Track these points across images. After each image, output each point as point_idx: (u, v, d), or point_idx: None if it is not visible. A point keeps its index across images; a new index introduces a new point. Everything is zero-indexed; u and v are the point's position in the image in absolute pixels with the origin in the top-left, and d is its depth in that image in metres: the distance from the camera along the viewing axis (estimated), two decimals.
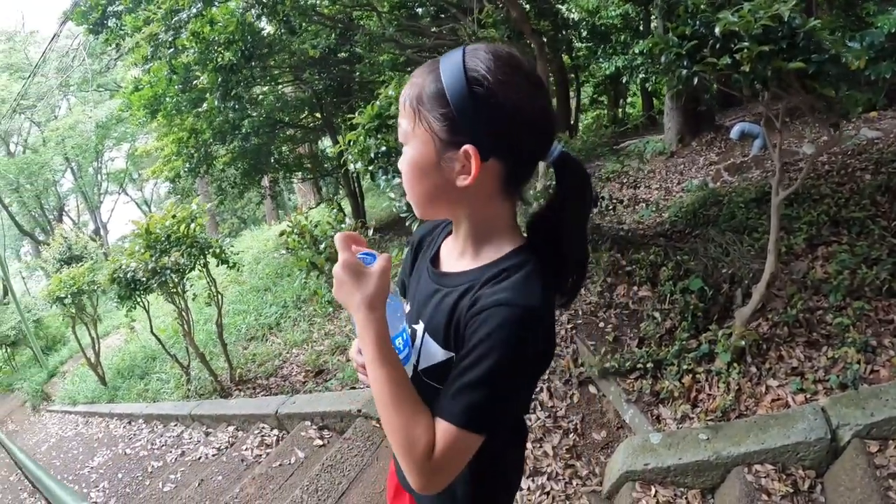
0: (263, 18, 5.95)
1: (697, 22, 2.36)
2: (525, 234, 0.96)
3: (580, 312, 3.82)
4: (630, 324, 3.50)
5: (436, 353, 0.97)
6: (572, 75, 9.86)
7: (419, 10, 7.80)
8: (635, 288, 3.78)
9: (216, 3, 5.57)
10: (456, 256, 1.00)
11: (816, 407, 2.26)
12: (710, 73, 2.32)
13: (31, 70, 20.06)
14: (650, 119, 9.27)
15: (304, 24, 6.61)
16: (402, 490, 1.31)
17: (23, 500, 6.15)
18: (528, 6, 6.18)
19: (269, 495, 3.08)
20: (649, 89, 9.17)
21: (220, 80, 5.66)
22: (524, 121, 0.85)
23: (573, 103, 10.70)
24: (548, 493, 2.53)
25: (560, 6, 7.26)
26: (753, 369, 2.68)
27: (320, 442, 3.46)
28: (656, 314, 3.37)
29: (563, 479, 2.61)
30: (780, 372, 2.61)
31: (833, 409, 2.20)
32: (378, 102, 3.10)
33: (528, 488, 2.56)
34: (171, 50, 5.73)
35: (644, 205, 5.47)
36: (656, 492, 2.30)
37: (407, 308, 1.09)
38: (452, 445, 0.83)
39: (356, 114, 3.26)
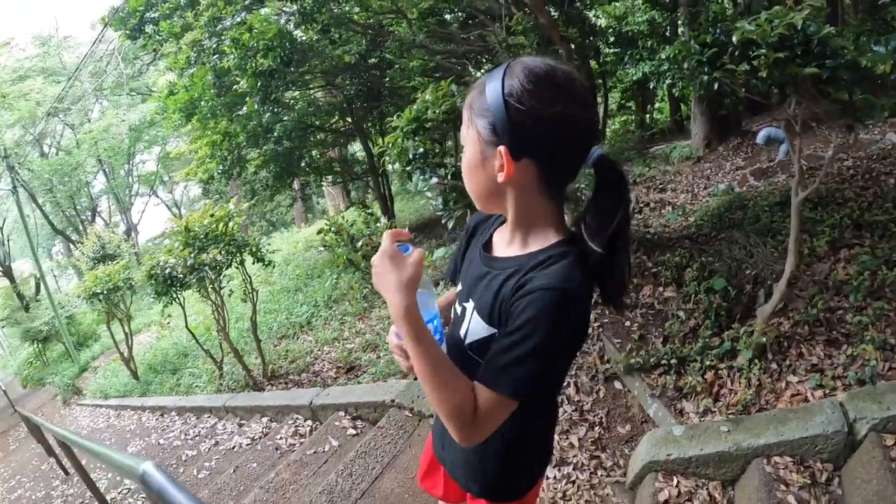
0: (299, 26, 6.14)
1: (718, 30, 2.47)
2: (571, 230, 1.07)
3: (607, 311, 3.92)
4: (655, 323, 3.61)
5: (480, 329, 1.08)
6: (600, 81, 9.93)
7: (448, 17, 7.94)
8: (661, 289, 3.88)
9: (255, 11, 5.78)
10: (505, 244, 1.12)
11: (834, 401, 2.31)
12: (729, 79, 2.42)
13: (67, 74, 20.66)
14: (678, 124, 9.29)
15: (337, 31, 6.80)
16: (437, 464, 1.44)
17: (55, 487, 6.42)
18: (555, 13, 6.30)
19: (303, 480, 3.22)
20: (676, 95, 9.19)
21: (259, 84, 5.88)
22: (554, 127, 0.96)
23: (601, 109, 10.77)
24: (573, 482, 2.63)
25: (588, 13, 7.35)
26: (774, 366, 2.76)
27: (353, 431, 3.59)
28: (681, 313, 3.47)
29: (589, 469, 2.71)
30: (800, 368, 2.68)
31: (850, 403, 2.25)
32: (415, 106, 3.26)
33: (555, 477, 2.67)
34: (216, 56, 5.96)
35: (670, 208, 5.55)
36: (678, 482, 2.37)
37: (458, 288, 1.22)
38: (493, 409, 0.96)
39: (395, 117, 3.42)
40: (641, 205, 4.74)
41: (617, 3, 6.23)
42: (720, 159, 6.55)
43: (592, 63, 9.04)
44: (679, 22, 5.70)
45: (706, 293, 3.48)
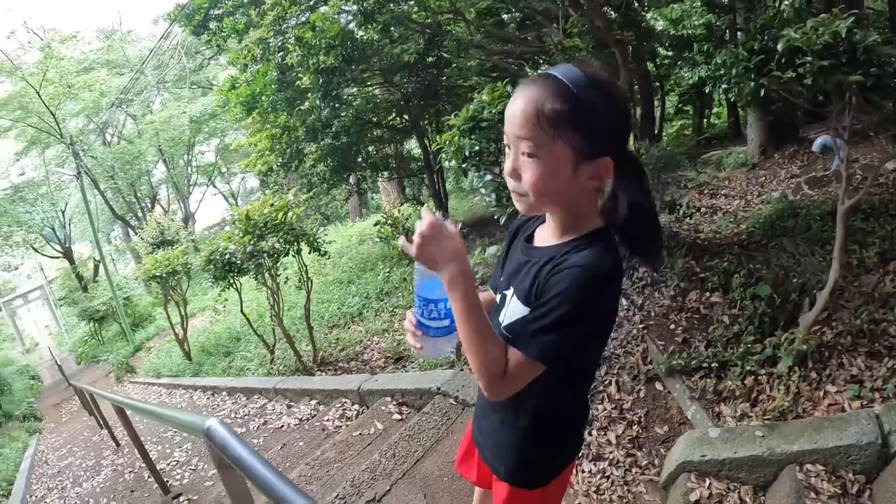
0: (361, 26, 6.30)
1: (766, 36, 2.49)
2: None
3: (652, 314, 3.98)
4: (699, 327, 3.64)
5: (518, 310, 1.18)
6: (657, 84, 9.84)
7: (506, 17, 8.00)
8: (707, 294, 3.90)
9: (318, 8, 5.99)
10: (549, 234, 1.23)
11: (871, 413, 2.31)
12: (775, 86, 2.45)
13: (129, 67, 21.63)
14: (735, 130, 9.13)
15: (397, 30, 6.96)
16: (473, 449, 1.56)
17: (105, 457, 6.80)
18: (614, 14, 6.30)
19: (348, 459, 3.39)
20: (733, 100, 9.03)
21: (321, 81, 6.09)
22: (626, 128, 1.12)
23: (658, 112, 10.67)
24: (608, 478, 2.70)
25: (646, 14, 7.29)
26: (814, 374, 2.78)
27: (399, 417, 3.73)
28: (725, 318, 3.50)
29: (624, 466, 2.78)
30: (840, 378, 2.69)
31: (887, 415, 2.25)
32: (472, 106, 3.39)
33: (590, 471, 2.75)
34: (280, 53, 6.22)
35: (723, 214, 5.52)
36: (710, 484, 2.41)
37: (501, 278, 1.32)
38: (521, 370, 1.09)
39: (452, 116, 3.55)
40: (692, 209, 4.74)
41: (675, 6, 6.17)
42: (775, 166, 6.46)
43: (650, 65, 8.97)
44: (738, 25, 5.65)
45: (752, 300, 3.50)
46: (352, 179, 10.13)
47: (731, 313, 3.54)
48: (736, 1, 5.61)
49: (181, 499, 4.08)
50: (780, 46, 2.32)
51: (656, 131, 10.24)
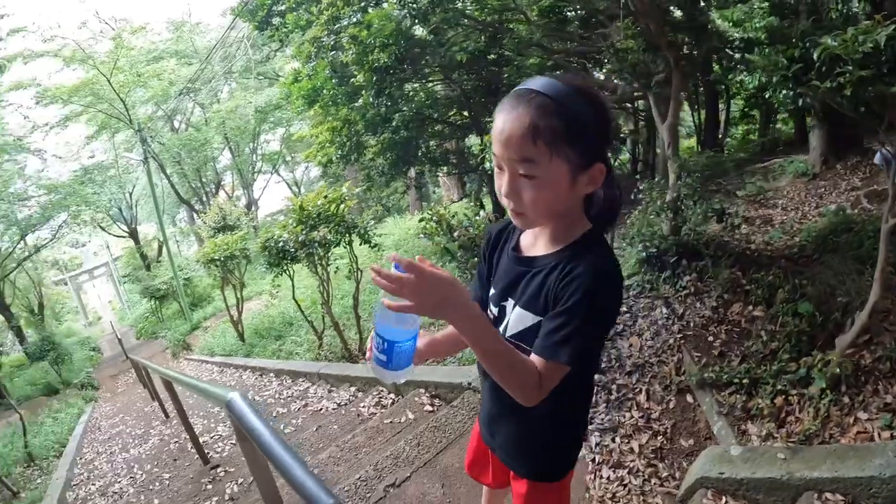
0: (414, 25, 6.40)
1: (807, 44, 2.41)
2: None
3: (692, 325, 3.94)
4: (738, 341, 3.58)
5: (526, 320, 1.23)
6: (723, 87, 9.52)
7: (569, 14, 7.91)
8: (750, 307, 3.83)
9: (371, 9, 6.14)
10: (535, 242, 1.28)
11: None
12: (814, 96, 2.38)
13: (198, 57, 22.43)
14: (801, 137, 8.76)
15: (452, 29, 7.02)
16: (485, 452, 1.60)
17: (154, 426, 7.26)
18: (679, 13, 6.14)
19: (376, 444, 3.55)
20: (800, 105, 8.64)
21: (374, 79, 6.23)
22: (610, 130, 1.17)
23: (722, 116, 10.37)
24: (625, 486, 2.71)
25: (711, 15, 7.05)
26: (846, 399, 2.70)
27: (430, 408, 3.85)
28: (763, 334, 3.44)
29: (643, 475, 2.78)
30: (873, 406, 2.61)
31: None
32: None
33: (608, 478, 2.77)
34: (333, 52, 6.40)
35: (777, 225, 5.36)
36: (727, 502, 2.37)
37: (492, 291, 1.36)
38: (553, 375, 1.13)
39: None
40: (739, 219, 4.65)
41: (738, 7, 5.96)
42: (836, 178, 6.20)
43: (716, 67, 8.70)
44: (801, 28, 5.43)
45: (793, 316, 3.42)
46: (411, 173, 10.20)
47: (770, 329, 3.47)
48: (800, 3, 5.37)
49: (218, 470, 4.36)
50: (815, 54, 2.25)
51: (719, 136, 9.97)
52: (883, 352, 2.83)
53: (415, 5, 5.96)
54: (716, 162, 4.31)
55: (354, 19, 5.87)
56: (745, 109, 11.39)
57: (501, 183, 1.15)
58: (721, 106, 10.40)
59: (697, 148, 9.96)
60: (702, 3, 6.64)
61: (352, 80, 6.98)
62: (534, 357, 1.14)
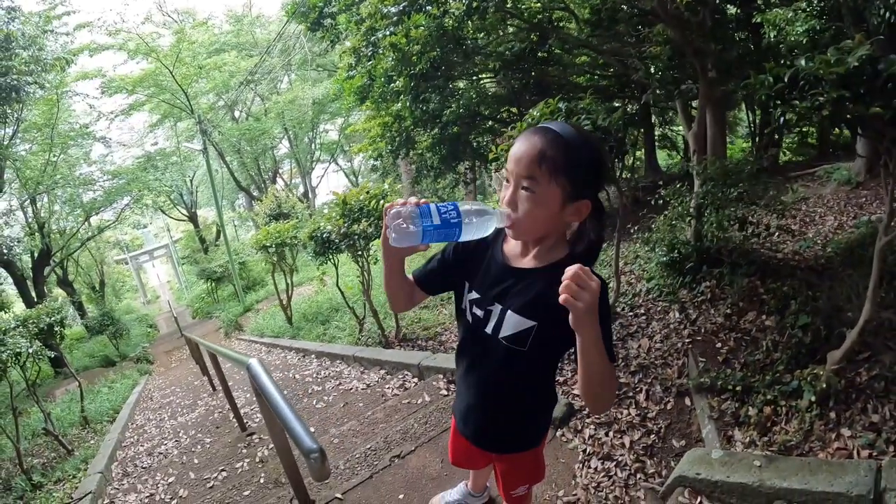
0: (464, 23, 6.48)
1: (793, 62, 2.43)
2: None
3: (702, 330, 4.05)
4: (744, 349, 3.67)
5: (519, 323, 1.42)
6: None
7: (618, 14, 7.85)
8: (763, 316, 3.89)
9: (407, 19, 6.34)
10: (523, 255, 1.48)
11: (872, 465, 2.22)
12: (794, 115, 2.44)
13: (258, 49, 23.11)
14: (854, 142, 8.48)
15: (501, 27, 7.12)
16: (462, 441, 1.82)
17: (201, 398, 7.79)
18: (733, 9, 6.08)
19: (392, 421, 3.89)
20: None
21: (412, 85, 6.47)
22: (602, 178, 1.40)
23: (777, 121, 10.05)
24: (610, 477, 2.88)
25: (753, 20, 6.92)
26: (833, 414, 2.74)
27: (446, 392, 4.13)
28: (768, 343, 3.51)
29: (629, 470, 2.93)
30: (858, 424, 2.64)
31: (888, 471, 2.16)
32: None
33: (595, 468, 2.95)
34: (370, 62, 6.66)
35: (812, 235, 5.33)
36: (701, 502, 2.48)
37: (475, 295, 1.52)
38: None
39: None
40: (753, 226, 4.66)
41: (779, 10, 5.87)
42: (879, 187, 6.03)
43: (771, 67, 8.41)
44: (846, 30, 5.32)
45: (800, 328, 3.48)
46: (461, 168, 10.38)
47: (775, 339, 3.54)
48: (842, 7, 5.26)
49: (254, 437, 4.77)
50: (786, 77, 2.29)
51: (775, 138, 9.70)
52: (880, 370, 2.85)
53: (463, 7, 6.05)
54: (734, 170, 4.35)
55: (389, 31, 6.07)
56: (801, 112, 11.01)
57: (506, 194, 1.38)
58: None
59: (752, 150, 9.74)
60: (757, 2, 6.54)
61: (391, 85, 7.19)
62: None
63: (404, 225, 1.25)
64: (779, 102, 2.52)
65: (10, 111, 13.95)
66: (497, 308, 1.47)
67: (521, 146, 1.34)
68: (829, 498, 2.17)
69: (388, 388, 4.79)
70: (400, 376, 4.94)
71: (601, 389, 1.30)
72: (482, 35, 7.51)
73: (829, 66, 2.23)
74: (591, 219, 1.40)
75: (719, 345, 3.83)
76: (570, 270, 1.15)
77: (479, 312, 1.52)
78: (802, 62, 2.29)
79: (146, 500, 4.30)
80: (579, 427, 3.32)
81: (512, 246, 1.51)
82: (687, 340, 3.97)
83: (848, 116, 2.32)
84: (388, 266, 1.55)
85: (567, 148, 1.30)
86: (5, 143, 14.70)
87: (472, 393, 1.66)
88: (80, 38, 18.13)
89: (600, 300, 1.22)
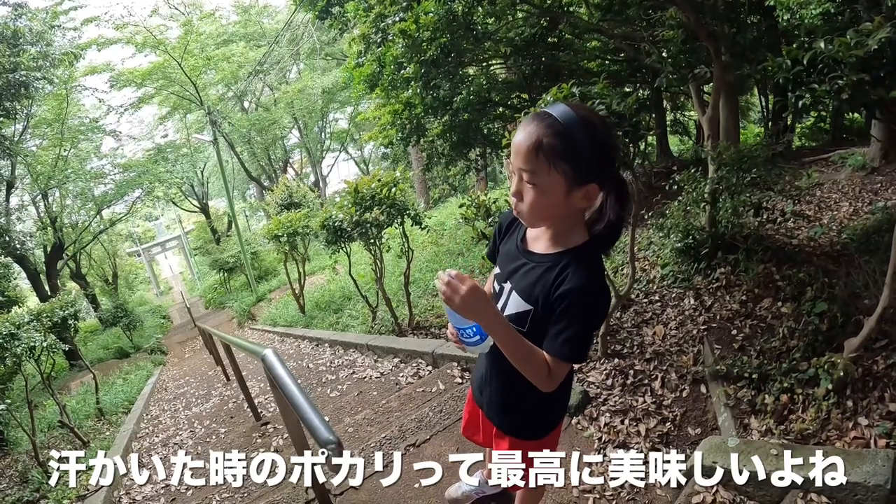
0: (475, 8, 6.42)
1: (811, 45, 2.40)
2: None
3: (718, 317, 4.02)
4: (760, 336, 3.65)
5: (518, 305, 1.46)
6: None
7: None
8: (779, 303, 3.86)
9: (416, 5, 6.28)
10: (542, 241, 1.49)
11: (891, 454, 2.22)
12: (812, 99, 2.40)
13: (267, 40, 22.97)
14: (870, 127, 8.35)
15: (511, 13, 7.07)
16: (476, 411, 1.89)
17: (216, 388, 7.83)
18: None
19: (407, 410, 3.91)
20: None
21: (422, 71, 6.42)
22: (609, 159, 1.36)
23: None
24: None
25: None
26: (850, 403, 2.73)
27: (460, 380, 4.14)
28: (784, 331, 3.49)
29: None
30: (875, 412, 2.63)
31: None
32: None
33: (610, 457, 2.98)
34: (380, 49, 6.61)
35: (827, 221, 5.26)
36: (717, 490, 2.47)
37: (497, 270, 1.61)
38: (560, 369, 1.40)
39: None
40: (768, 212, 4.61)
41: None
42: (895, 173, 5.96)
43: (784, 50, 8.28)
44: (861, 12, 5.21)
45: (816, 316, 3.45)
46: (472, 155, 10.32)
47: (792, 327, 3.51)
48: None
49: (268, 426, 4.81)
50: (805, 59, 2.26)
51: (789, 123, 9.58)
52: None
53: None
54: (748, 155, 4.29)
55: (398, 18, 6.03)
56: (817, 97, 10.85)
57: (512, 184, 1.40)
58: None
59: (764, 136, 9.64)
60: None
61: (402, 72, 7.16)
62: (546, 353, 1.40)
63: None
64: (796, 86, 2.47)
65: (19, 107, 13.94)
66: (507, 286, 1.52)
67: (519, 136, 1.33)
68: (847, 488, 2.17)
69: (402, 376, 4.81)
70: (414, 364, 4.96)
71: (520, 367, 1.38)
72: (492, 20, 7.43)
73: (848, 49, 2.20)
74: (612, 198, 1.40)
75: (735, 332, 3.81)
76: (444, 277, 1.29)
77: (496, 287, 1.59)
78: (822, 45, 2.26)
79: (161, 490, 4.36)
80: (595, 415, 3.32)
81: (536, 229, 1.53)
82: (702, 327, 3.95)
83: (867, 100, 2.26)
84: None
85: (565, 133, 1.28)
86: (16, 138, 14.76)
87: (486, 363, 1.72)
88: (87, 32, 18.30)
89: (577, 305, 1.32)
